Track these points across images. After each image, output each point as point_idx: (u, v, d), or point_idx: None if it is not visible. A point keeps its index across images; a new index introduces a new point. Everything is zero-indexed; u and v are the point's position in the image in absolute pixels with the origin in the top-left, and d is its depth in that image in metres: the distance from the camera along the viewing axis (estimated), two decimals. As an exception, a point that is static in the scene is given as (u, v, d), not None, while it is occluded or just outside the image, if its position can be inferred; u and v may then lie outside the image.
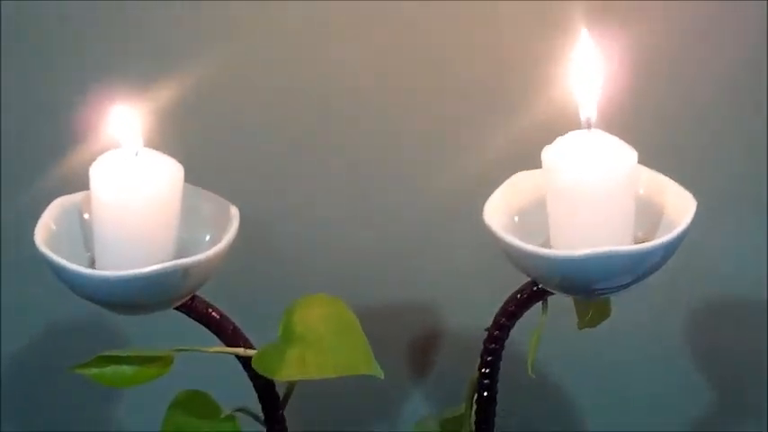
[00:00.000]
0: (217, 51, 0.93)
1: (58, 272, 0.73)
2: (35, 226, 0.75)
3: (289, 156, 0.96)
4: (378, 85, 0.94)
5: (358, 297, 0.84)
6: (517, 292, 0.78)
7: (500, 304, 0.79)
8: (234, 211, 0.77)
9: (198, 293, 0.78)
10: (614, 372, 1.01)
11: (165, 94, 0.91)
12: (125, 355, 0.78)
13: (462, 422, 0.83)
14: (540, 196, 0.76)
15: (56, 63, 0.95)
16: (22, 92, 0.95)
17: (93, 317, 0.95)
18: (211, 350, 0.79)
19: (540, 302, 0.77)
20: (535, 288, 0.77)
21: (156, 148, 0.75)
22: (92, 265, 0.76)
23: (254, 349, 0.79)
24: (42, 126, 0.96)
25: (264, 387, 0.81)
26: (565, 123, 0.73)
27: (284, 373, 0.77)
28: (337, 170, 0.97)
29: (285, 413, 0.83)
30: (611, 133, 0.73)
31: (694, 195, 0.73)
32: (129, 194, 0.73)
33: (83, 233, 0.78)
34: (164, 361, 0.78)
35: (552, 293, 0.76)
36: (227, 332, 0.79)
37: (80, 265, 0.73)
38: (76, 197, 0.78)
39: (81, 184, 0.76)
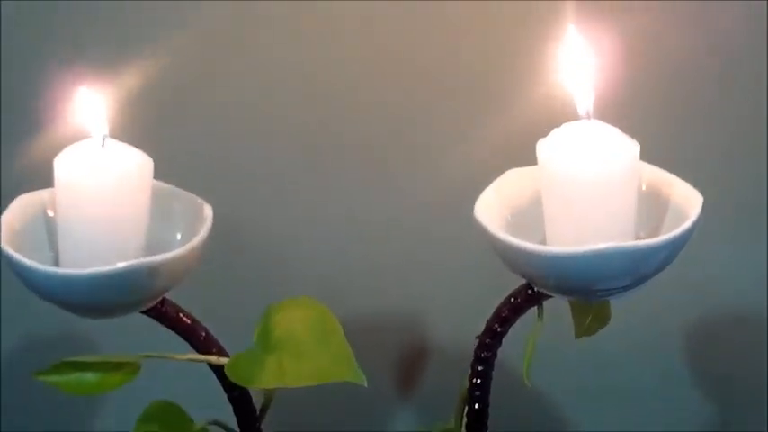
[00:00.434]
0: (191, 42, 0.93)
1: (18, 270, 0.72)
2: None
3: (270, 156, 0.96)
4: (365, 87, 0.95)
5: (341, 303, 0.83)
6: (511, 295, 0.77)
7: (492, 310, 0.78)
8: (208, 211, 0.76)
9: (169, 297, 0.76)
10: (614, 371, 1.00)
11: (133, 83, 0.91)
12: (90, 361, 0.77)
13: (452, 437, 0.83)
14: (535, 194, 0.75)
15: (17, 47, 0.94)
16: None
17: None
18: (182, 357, 0.78)
19: (536, 307, 0.76)
20: (530, 291, 0.75)
21: (127, 142, 0.75)
22: (55, 264, 0.75)
23: (228, 357, 0.78)
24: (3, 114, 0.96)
25: (240, 398, 0.80)
26: (558, 122, 0.72)
27: (260, 381, 0.75)
28: (321, 170, 0.97)
29: (263, 427, 0.82)
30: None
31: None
32: (96, 181, 0.72)
33: (47, 232, 0.77)
34: (130, 368, 0.77)
35: (548, 297, 0.74)
36: (198, 338, 0.78)
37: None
38: (42, 194, 0.77)
39: (45, 176, 0.75)
